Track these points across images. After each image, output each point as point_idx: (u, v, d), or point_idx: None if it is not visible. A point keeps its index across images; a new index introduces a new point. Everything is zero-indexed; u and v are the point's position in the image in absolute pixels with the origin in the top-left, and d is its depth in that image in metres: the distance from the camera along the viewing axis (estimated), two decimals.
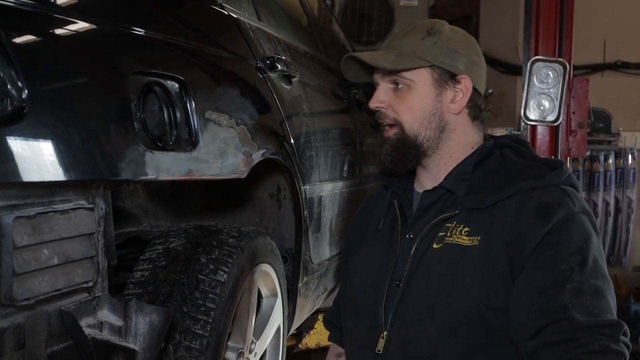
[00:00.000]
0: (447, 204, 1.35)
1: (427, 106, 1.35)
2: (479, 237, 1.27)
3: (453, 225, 1.31)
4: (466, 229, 1.29)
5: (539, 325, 1.16)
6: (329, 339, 1.72)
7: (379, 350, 1.35)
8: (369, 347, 1.38)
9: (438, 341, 1.26)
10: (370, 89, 1.47)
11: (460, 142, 1.38)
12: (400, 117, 1.37)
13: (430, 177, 1.40)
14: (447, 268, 1.28)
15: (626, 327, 1.17)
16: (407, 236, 1.38)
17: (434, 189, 1.38)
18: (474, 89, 1.37)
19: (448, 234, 1.31)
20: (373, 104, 1.39)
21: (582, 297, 1.16)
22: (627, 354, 1.14)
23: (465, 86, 1.36)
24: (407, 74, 1.35)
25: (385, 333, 1.34)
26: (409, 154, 1.36)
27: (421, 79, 1.35)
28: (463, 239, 1.29)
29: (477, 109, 1.39)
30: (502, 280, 1.23)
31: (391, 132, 1.38)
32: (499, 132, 3.62)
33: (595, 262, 1.21)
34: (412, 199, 1.44)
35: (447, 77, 1.35)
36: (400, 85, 1.36)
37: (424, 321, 1.29)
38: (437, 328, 1.27)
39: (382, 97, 1.39)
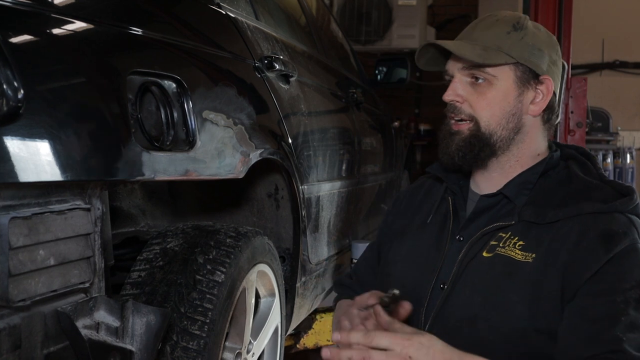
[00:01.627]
0: (503, 211, 1.29)
1: (507, 105, 1.29)
2: (534, 255, 1.21)
3: (507, 235, 1.25)
4: (521, 242, 1.23)
5: (591, 352, 1.11)
6: (336, 300, 1.56)
7: None
8: None
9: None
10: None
11: (529, 146, 1.32)
12: (477, 114, 1.29)
13: (489, 179, 1.34)
14: (494, 280, 1.22)
15: None
16: (457, 237, 1.32)
17: (493, 194, 1.32)
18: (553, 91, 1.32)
19: (501, 245, 1.25)
20: (449, 97, 1.31)
21: (636, 332, 1.10)
22: None
23: (547, 87, 1.30)
24: (490, 70, 1.27)
25: None
26: (483, 152, 1.30)
27: (504, 76, 1.28)
28: (516, 253, 1.22)
29: (552, 112, 1.34)
30: (551, 302, 1.17)
31: (464, 127, 1.30)
32: None
33: None
34: (467, 199, 1.38)
35: (530, 76, 1.29)
36: (480, 80, 1.29)
37: (463, 331, 1.23)
38: (475, 341, 1.20)
39: (459, 90, 1.30)
